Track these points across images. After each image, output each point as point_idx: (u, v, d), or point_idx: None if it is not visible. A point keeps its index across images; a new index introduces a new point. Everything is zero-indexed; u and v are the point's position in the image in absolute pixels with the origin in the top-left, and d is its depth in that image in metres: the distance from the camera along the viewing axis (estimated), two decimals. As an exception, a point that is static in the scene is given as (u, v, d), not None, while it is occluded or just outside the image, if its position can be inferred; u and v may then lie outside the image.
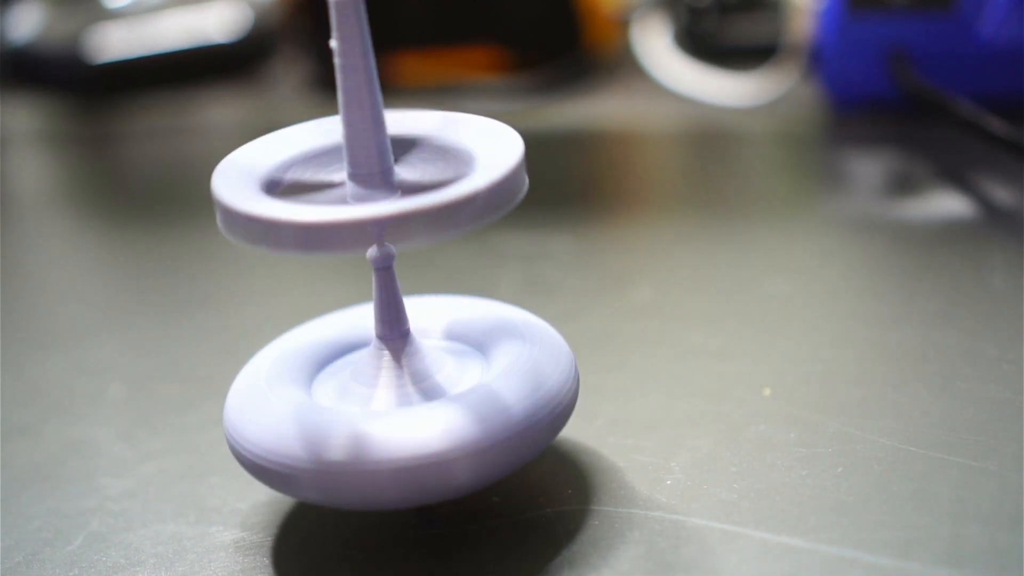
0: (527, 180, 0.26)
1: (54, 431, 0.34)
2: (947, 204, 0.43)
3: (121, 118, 0.63)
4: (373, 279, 0.28)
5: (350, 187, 0.26)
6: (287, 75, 0.65)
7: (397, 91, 0.59)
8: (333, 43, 0.25)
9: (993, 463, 0.28)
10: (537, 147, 0.52)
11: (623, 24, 0.61)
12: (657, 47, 0.59)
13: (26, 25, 0.68)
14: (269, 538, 0.28)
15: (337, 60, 0.26)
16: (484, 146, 0.27)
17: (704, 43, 0.59)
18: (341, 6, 0.25)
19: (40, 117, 0.65)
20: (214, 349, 0.38)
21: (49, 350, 0.39)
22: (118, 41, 0.65)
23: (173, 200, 0.52)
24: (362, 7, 0.25)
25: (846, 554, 0.25)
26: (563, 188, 0.49)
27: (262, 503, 0.29)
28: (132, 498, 0.30)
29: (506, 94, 0.59)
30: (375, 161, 0.26)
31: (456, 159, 0.27)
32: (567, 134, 0.54)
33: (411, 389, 0.27)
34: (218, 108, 0.63)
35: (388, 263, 0.28)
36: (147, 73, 0.66)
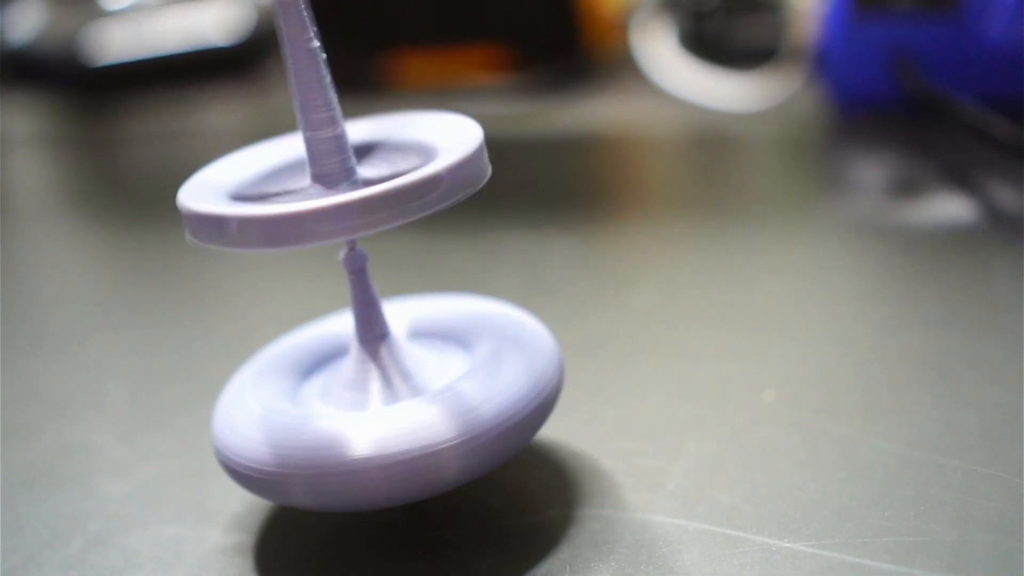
0: (489, 166, 0.26)
1: (53, 433, 0.34)
2: (951, 207, 0.42)
3: (120, 120, 0.63)
4: (348, 283, 0.28)
5: (314, 189, 0.26)
6: (286, 76, 0.65)
7: (398, 93, 0.59)
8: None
9: (996, 468, 0.27)
10: (539, 149, 0.52)
11: (624, 27, 0.61)
12: (659, 50, 0.59)
13: (25, 26, 0.68)
14: (268, 541, 0.28)
15: (287, 60, 0.26)
16: (444, 138, 0.27)
17: (707, 46, 0.59)
18: (285, 5, 0.25)
19: (39, 118, 0.65)
20: (213, 350, 0.38)
21: (47, 352, 0.39)
22: (117, 43, 0.65)
23: (171, 202, 0.52)
24: (305, 4, 0.25)
25: (849, 559, 0.25)
26: (565, 191, 0.49)
27: (261, 506, 0.29)
28: (131, 500, 0.30)
29: (507, 96, 0.59)
30: (335, 159, 0.26)
31: (418, 154, 0.27)
32: (569, 137, 0.54)
33: (394, 389, 0.27)
34: (217, 110, 0.62)
35: (361, 265, 0.28)
36: (146, 75, 0.66)
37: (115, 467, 0.32)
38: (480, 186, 0.26)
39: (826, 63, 0.51)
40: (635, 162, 0.55)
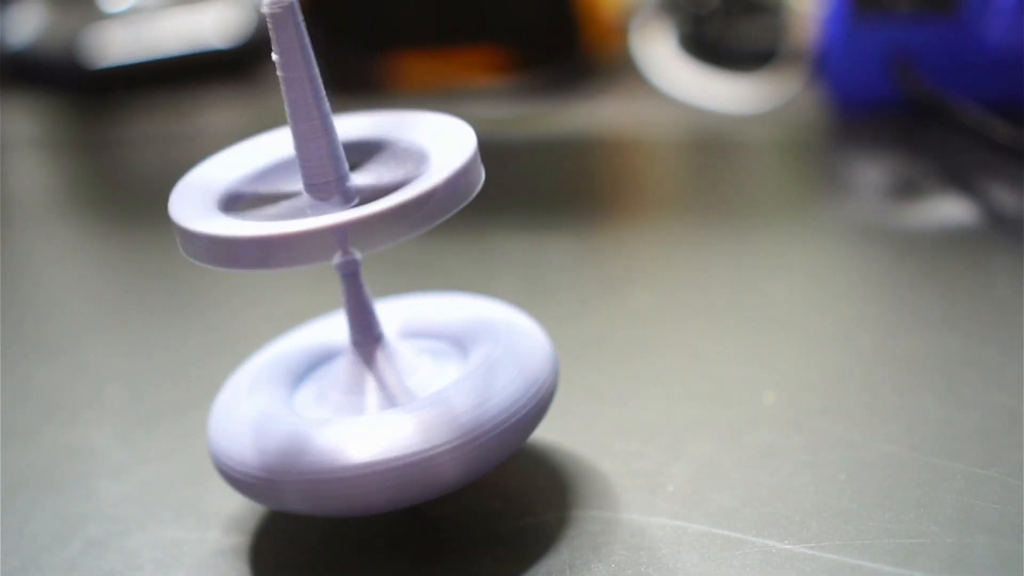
0: (483, 172, 0.26)
1: (52, 435, 0.34)
2: (951, 209, 0.42)
3: (120, 122, 0.63)
4: (341, 286, 0.28)
5: (306, 197, 0.26)
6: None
7: (398, 94, 0.59)
8: (275, 55, 0.25)
9: (997, 470, 0.27)
10: (539, 151, 0.52)
11: (624, 30, 0.61)
12: (659, 53, 0.59)
13: (25, 28, 0.68)
14: (267, 543, 0.28)
15: (279, 72, 0.25)
16: (437, 143, 0.27)
17: (707, 49, 0.59)
18: (277, 17, 0.25)
19: (38, 120, 0.65)
20: (212, 352, 0.38)
21: (47, 354, 0.39)
22: (117, 45, 0.65)
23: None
24: (299, 16, 0.25)
25: (849, 561, 0.25)
26: (564, 193, 0.49)
27: (260, 508, 0.29)
28: (130, 502, 0.30)
29: (507, 98, 0.59)
30: (329, 170, 0.26)
31: (410, 159, 0.27)
32: (569, 139, 0.54)
33: (388, 393, 0.27)
34: (217, 112, 0.62)
35: (354, 269, 0.28)
36: (146, 77, 0.66)
37: (114, 469, 0.32)
38: (473, 196, 0.26)
39: (826, 65, 0.51)
40: (635, 164, 0.55)
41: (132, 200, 0.55)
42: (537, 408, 0.27)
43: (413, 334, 0.30)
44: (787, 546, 0.26)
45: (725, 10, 0.60)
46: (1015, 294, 0.35)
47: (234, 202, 0.27)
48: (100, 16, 0.66)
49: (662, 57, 0.59)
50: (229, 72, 0.67)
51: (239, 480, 0.26)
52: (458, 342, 0.29)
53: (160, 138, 0.60)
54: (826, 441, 0.29)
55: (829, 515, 0.27)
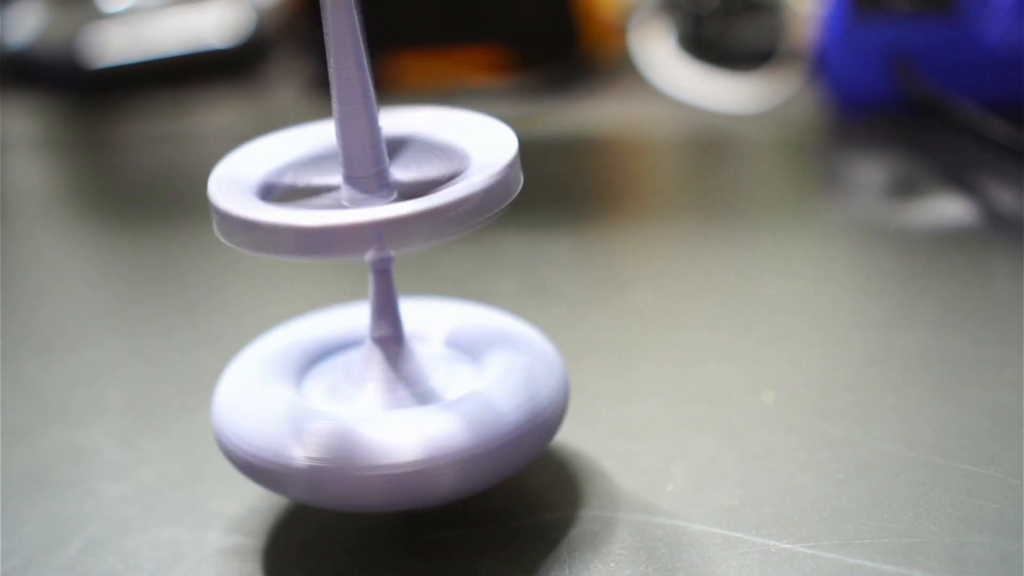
0: (521, 177, 0.26)
1: (52, 435, 0.34)
2: (950, 209, 0.42)
3: (119, 122, 0.63)
4: (370, 281, 0.28)
5: (345, 190, 0.26)
6: (286, 79, 0.65)
7: (397, 93, 0.59)
8: (327, 44, 0.25)
9: (996, 469, 0.27)
10: (538, 151, 0.52)
11: (623, 29, 0.61)
12: (658, 52, 0.59)
13: (24, 28, 0.68)
14: (268, 543, 0.28)
15: (331, 61, 0.25)
16: (478, 143, 0.27)
17: (706, 48, 0.59)
18: (334, 5, 0.25)
19: (38, 120, 0.65)
20: (212, 353, 0.38)
21: (47, 354, 0.39)
22: (116, 45, 0.65)
23: (171, 204, 0.52)
24: (354, 7, 0.25)
25: (848, 561, 0.25)
26: (564, 192, 0.49)
27: (261, 508, 0.29)
28: (130, 503, 0.30)
29: (506, 98, 0.59)
30: (370, 163, 0.26)
31: (451, 157, 0.27)
32: (568, 138, 0.54)
33: (402, 393, 0.27)
34: (217, 112, 0.62)
35: (386, 265, 0.28)
36: (145, 77, 0.65)
37: (114, 469, 0.32)
38: (511, 199, 0.26)
39: (825, 65, 0.51)
40: (634, 164, 0.55)
41: (132, 200, 0.55)
42: (547, 430, 0.27)
43: (430, 339, 0.30)
44: (786, 545, 0.26)
45: (724, 10, 0.60)
46: (1014, 293, 0.35)
47: (273, 188, 0.27)
48: (99, 16, 0.66)
49: (661, 57, 0.59)
50: (229, 72, 0.67)
51: (240, 459, 0.26)
52: (473, 352, 0.29)
53: (160, 138, 0.60)
54: (825, 441, 0.29)
55: (828, 514, 0.27)
